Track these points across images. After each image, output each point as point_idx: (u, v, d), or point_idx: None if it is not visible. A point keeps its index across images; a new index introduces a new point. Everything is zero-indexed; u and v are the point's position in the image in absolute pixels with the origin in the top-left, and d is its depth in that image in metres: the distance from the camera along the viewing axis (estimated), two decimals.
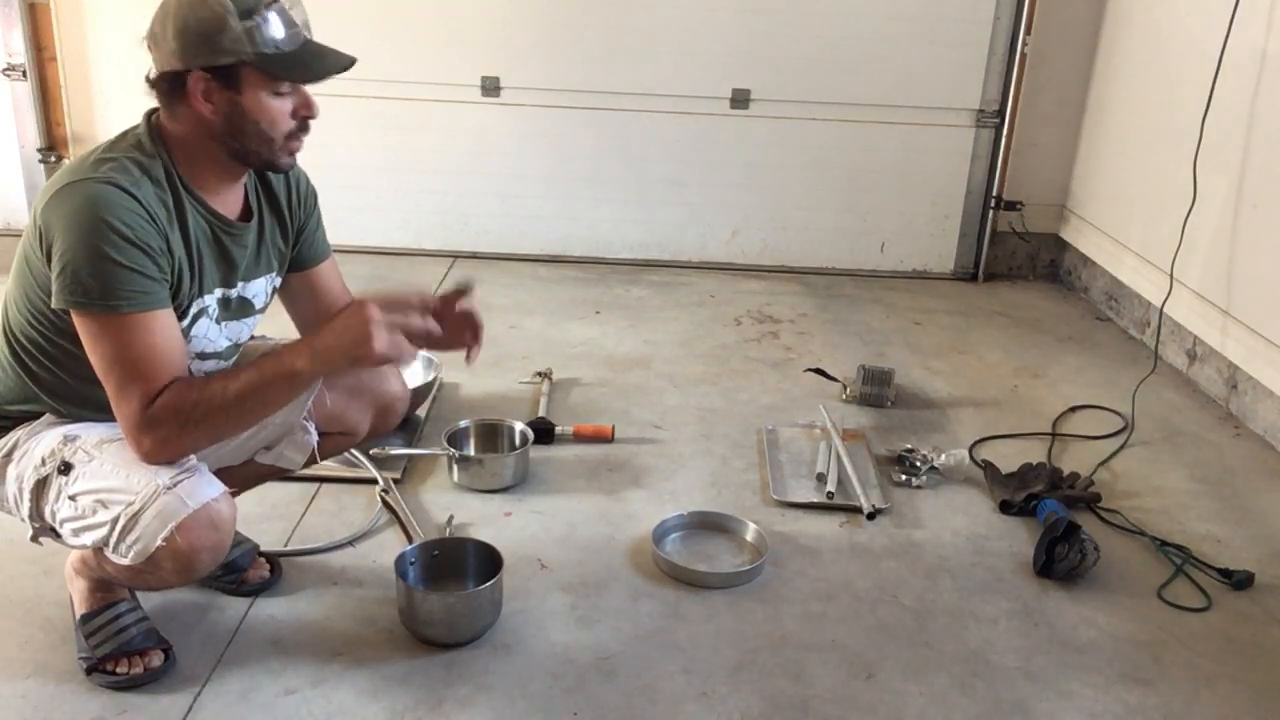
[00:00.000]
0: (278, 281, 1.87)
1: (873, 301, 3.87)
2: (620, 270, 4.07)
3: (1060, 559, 2.17)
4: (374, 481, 2.38)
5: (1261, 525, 2.47)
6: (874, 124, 3.99)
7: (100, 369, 1.58)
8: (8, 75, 3.93)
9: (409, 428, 2.67)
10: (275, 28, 1.57)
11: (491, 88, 3.93)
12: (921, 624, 2.04)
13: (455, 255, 4.08)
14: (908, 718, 1.80)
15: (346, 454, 2.47)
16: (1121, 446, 2.81)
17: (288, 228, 1.84)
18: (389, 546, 2.18)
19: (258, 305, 1.84)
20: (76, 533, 1.64)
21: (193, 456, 1.67)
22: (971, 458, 2.65)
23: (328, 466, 2.45)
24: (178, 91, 1.60)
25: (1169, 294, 3.28)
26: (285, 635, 1.91)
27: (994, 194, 4.08)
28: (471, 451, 2.54)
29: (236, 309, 1.78)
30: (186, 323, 1.68)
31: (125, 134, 1.65)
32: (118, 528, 1.58)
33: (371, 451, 2.46)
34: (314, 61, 1.62)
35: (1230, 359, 3.05)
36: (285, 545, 2.16)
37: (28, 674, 1.78)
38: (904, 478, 2.55)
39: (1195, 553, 2.31)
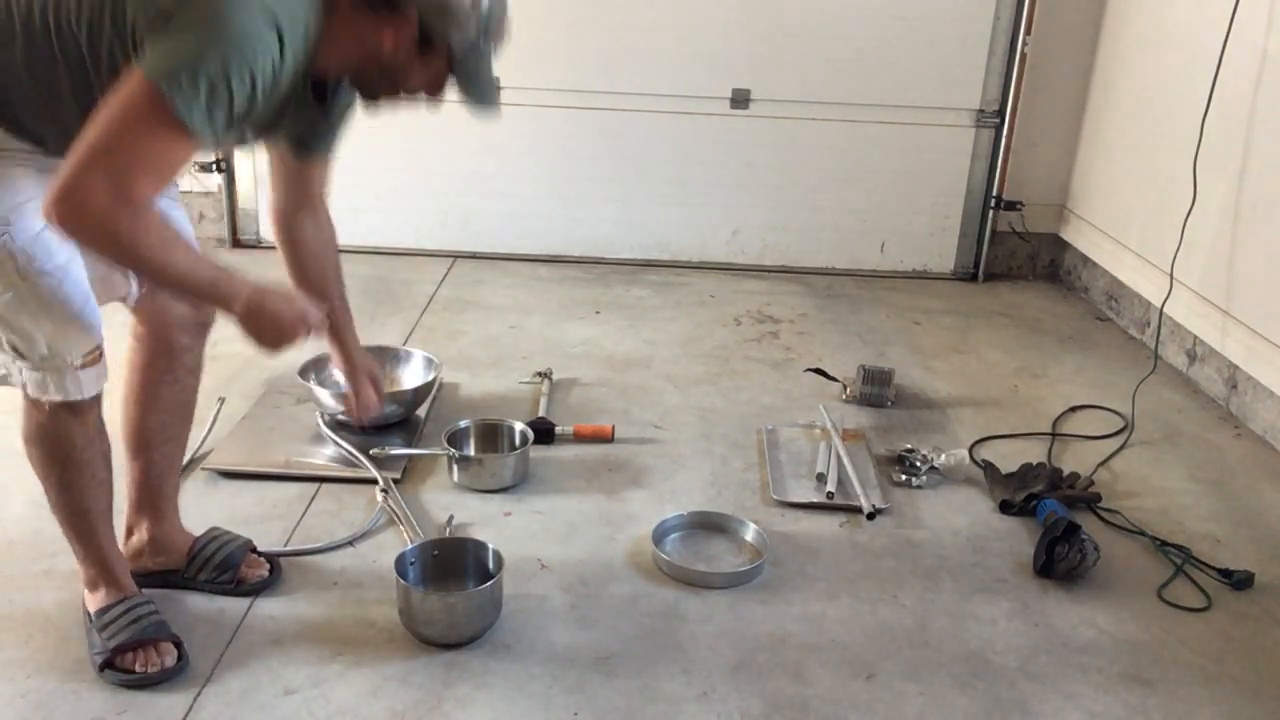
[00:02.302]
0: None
1: (873, 301, 3.87)
2: (620, 270, 4.07)
3: (1060, 559, 2.17)
4: (374, 481, 2.38)
5: (1261, 525, 2.47)
6: (874, 124, 3.99)
7: (103, 128, 1.40)
8: None
9: (409, 427, 2.67)
10: (488, 52, 1.61)
11: None
12: (921, 624, 2.04)
13: (455, 255, 4.08)
14: (908, 718, 1.80)
15: (347, 454, 2.49)
16: (1121, 446, 2.81)
17: (326, 122, 1.82)
18: (389, 546, 2.18)
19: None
20: None
21: (103, 339, 1.69)
22: (971, 458, 2.65)
23: (327, 466, 2.46)
24: (382, 10, 1.55)
25: (1169, 294, 3.29)
26: (285, 635, 1.91)
27: (994, 194, 4.08)
28: (471, 451, 2.54)
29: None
30: None
31: None
32: (17, 369, 1.64)
33: (371, 451, 2.46)
34: (489, 93, 1.66)
35: (1230, 359, 3.05)
36: (285, 545, 2.16)
37: (28, 674, 1.78)
38: (904, 478, 2.55)
39: (1195, 553, 2.31)
